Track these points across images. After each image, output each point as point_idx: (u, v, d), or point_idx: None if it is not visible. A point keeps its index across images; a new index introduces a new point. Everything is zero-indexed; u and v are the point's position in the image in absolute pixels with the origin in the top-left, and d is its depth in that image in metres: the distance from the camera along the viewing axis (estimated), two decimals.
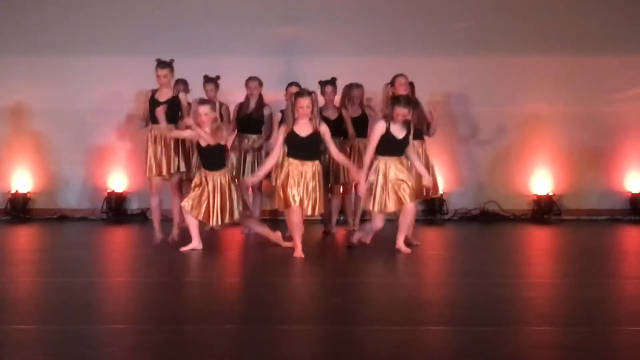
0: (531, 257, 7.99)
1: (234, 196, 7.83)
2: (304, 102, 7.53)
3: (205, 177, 7.80)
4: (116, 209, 10.77)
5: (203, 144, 7.80)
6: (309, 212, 7.55)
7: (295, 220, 7.53)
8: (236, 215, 7.83)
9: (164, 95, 8.34)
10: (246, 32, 10.93)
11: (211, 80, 9.11)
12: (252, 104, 9.09)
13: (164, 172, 8.23)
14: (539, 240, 9.47)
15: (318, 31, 11.02)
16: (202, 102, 7.95)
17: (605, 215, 11.05)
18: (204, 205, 7.74)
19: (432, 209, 10.93)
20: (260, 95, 9.16)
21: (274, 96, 9.67)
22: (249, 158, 9.04)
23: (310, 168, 7.55)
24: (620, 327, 4.92)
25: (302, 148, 7.58)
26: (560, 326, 4.94)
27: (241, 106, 9.15)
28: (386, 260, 7.58)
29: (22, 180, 11.00)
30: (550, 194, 11.06)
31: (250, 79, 9.14)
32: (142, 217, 10.73)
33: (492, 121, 11.09)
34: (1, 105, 10.94)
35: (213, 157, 7.85)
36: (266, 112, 9.14)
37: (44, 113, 10.93)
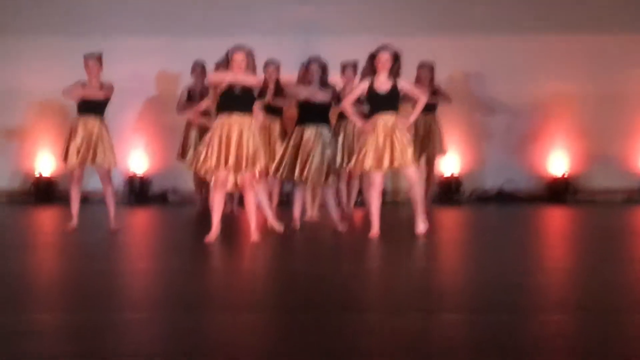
0: (546, 240, 7.96)
1: (257, 146, 7.36)
2: (384, 55, 7.51)
3: (224, 123, 7.30)
4: (138, 192, 10.80)
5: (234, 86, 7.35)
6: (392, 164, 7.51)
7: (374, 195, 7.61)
8: (258, 166, 7.36)
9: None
10: (263, 12, 10.89)
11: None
12: (272, 88, 9.06)
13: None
14: (555, 222, 9.43)
15: (335, 11, 10.96)
16: (237, 48, 7.39)
17: (620, 195, 11.00)
18: (215, 153, 7.23)
19: (449, 189, 10.90)
20: (278, 79, 9.13)
21: (291, 77, 9.66)
22: (274, 143, 9.03)
23: (391, 120, 7.52)
24: (634, 315, 4.84)
25: (384, 104, 7.53)
26: (573, 313, 4.89)
27: (260, 90, 9.09)
28: (402, 245, 7.56)
29: (46, 163, 11.05)
30: (566, 174, 11.01)
31: (268, 62, 9.10)
32: (163, 199, 10.77)
33: (509, 101, 11.03)
34: (24, 88, 10.97)
35: (240, 100, 7.36)
36: (286, 93, 9.12)
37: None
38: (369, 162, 7.57)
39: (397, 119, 7.59)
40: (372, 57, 7.63)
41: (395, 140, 7.53)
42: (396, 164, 7.54)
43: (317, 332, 4.43)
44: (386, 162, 7.54)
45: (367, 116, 7.81)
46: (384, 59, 7.55)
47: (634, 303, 5.21)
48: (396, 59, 7.60)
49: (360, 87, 7.72)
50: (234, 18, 10.81)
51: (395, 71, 7.61)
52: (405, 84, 7.73)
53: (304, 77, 8.18)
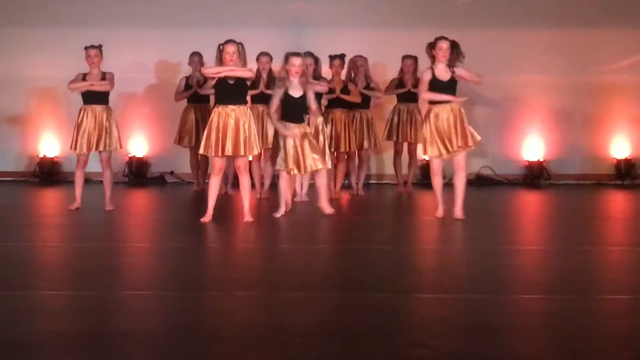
0: (521, 222, 8.05)
1: (254, 132, 7.43)
2: (444, 44, 7.50)
3: (221, 113, 7.37)
4: (137, 173, 10.89)
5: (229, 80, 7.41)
6: None
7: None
8: (255, 151, 7.51)
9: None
10: (257, 6, 10.95)
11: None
12: (264, 78, 9.14)
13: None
14: (530, 205, 9.55)
15: (324, 6, 11.03)
16: (227, 41, 7.43)
17: (592, 180, 11.14)
18: (214, 141, 7.33)
19: (429, 173, 10.96)
20: (271, 70, 9.21)
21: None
22: (267, 128, 9.12)
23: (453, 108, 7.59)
24: (603, 295, 4.97)
25: (445, 92, 7.55)
26: (545, 294, 4.99)
27: (253, 80, 9.17)
28: (385, 227, 7.66)
29: (50, 145, 11.12)
30: (541, 159, 11.14)
31: (261, 54, 9.19)
32: (161, 180, 10.87)
33: (487, 91, 11.10)
34: (30, 74, 11.01)
35: (234, 91, 7.43)
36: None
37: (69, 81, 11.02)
38: (433, 150, 7.58)
39: (459, 107, 7.57)
40: (431, 47, 7.60)
41: (457, 128, 7.51)
42: (456, 149, 7.54)
43: (306, 311, 4.53)
44: (449, 150, 7.54)
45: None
46: (445, 48, 7.53)
47: (606, 283, 5.32)
48: (454, 47, 7.56)
49: (426, 78, 7.63)
50: (229, 12, 10.86)
51: (453, 60, 7.57)
52: (462, 70, 7.66)
53: None
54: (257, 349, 3.88)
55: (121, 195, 9.79)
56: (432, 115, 7.59)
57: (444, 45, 7.54)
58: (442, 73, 7.60)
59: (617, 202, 9.90)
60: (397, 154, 10.11)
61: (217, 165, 7.51)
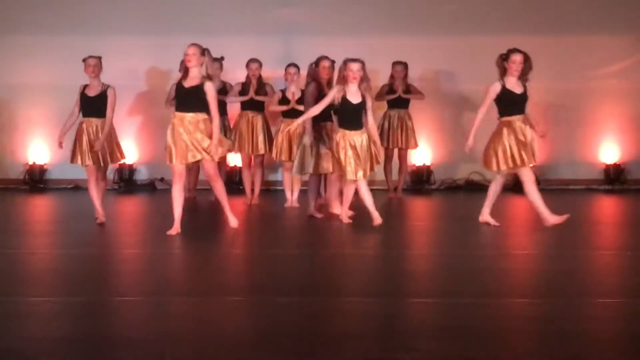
0: (509, 227, 8.05)
1: (203, 136, 7.11)
2: (518, 58, 7.35)
3: (177, 121, 7.20)
4: (127, 180, 10.88)
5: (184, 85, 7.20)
6: None
7: None
8: (204, 155, 7.11)
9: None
10: (246, 13, 10.97)
11: (216, 60, 9.12)
12: (254, 84, 9.16)
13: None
14: (519, 210, 9.56)
15: (313, 13, 11.05)
16: (192, 44, 7.16)
17: (581, 185, 11.18)
18: (175, 148, 7.15)
19: (420, 179, 11.04)
20: (260, 76, 9.23)
21: (272, 74, 9.78)
22: (257, 135, 9.13)
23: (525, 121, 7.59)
24: (592, 299, 4.99)
25: (518, 105, 7.49)
26: (535, 298, 5.03)
27: (243, 86, 9.22)
28: (375, 232, 7.66)
29: (39, 152, 11.10)
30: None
31: (251, 60, 9.21)
32: (151, 187, 10.86)
33: (477, 97, 11.12)
34: (20, 81, 10.99)
35: (190, 98, 7.14)
36: (268, 89, 9.23)
37: (59, 89, 10.97)
38: (513, 161, 7.44)
39: (529, 121, 7.48)
40: (503, 59, 7.42)
41: (527, 141, 7.45)
42: (527, 164, 7.47)
43: (296, 315, 4.54)
44: (517, 163, 7.44)
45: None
46: (518, 61, 7.34)
47: (594, 287, 5.36)
48: (526, 60, 7.39)
49: (493, 90, 7.46)
50: (219, 19, 10.88)
51: (525, 72, 7.40)
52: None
53: (314, 74, 8.12)
54: (247, 353, 3.89)
55: (111, 202, 9.79)
56: (507, 128, 7.43)
57: (517, 58, 7.34)
58: (514, 86, 7.41)
59: (606, 207, 9.94)
60: (388, 159, 10.13)
61: (177, 171, 7.24)
